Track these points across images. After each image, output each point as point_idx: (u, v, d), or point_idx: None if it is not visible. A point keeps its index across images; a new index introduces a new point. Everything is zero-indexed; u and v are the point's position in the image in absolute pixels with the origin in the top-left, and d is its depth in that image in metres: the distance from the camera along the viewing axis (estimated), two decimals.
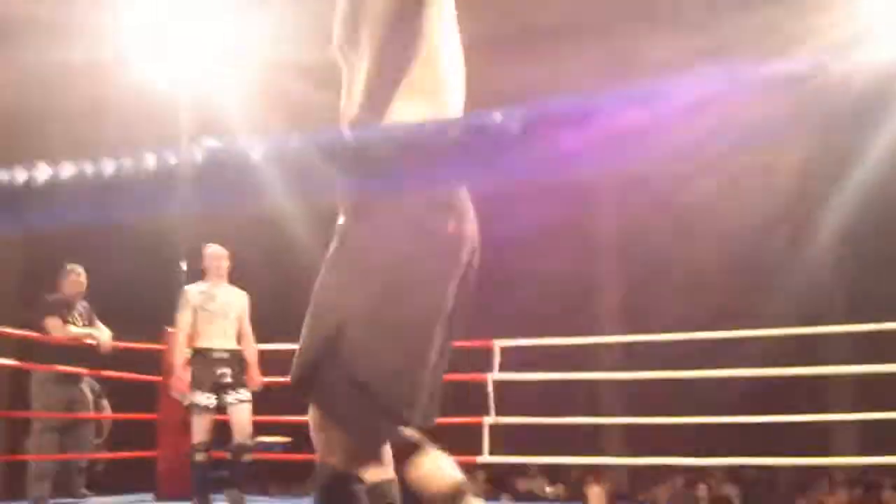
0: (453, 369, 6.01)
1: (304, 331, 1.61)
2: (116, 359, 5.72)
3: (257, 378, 5.20)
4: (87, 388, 5.62)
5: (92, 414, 5.71)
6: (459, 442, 5.83)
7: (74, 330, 5.47)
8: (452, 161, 0.67)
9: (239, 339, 5.19)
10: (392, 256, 1.56)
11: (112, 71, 7.46)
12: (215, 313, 5.11)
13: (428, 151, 0.72)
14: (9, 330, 5.60)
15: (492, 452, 5.59)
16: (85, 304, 5.66)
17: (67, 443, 5.45)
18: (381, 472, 1.59)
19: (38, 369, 5.48)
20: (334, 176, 0.90)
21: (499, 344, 5.83)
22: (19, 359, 5.95)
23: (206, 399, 4.97)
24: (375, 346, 1.54)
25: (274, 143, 0.73)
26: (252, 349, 5.28)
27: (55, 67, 7.42)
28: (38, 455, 5.37)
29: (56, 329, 5.42)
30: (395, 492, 1.61)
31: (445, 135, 0.68)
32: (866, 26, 5.85)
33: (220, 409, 5.06)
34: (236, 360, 5.14)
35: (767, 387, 6.62)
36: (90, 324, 5.62)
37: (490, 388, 5.70)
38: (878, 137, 6.59)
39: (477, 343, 5.94)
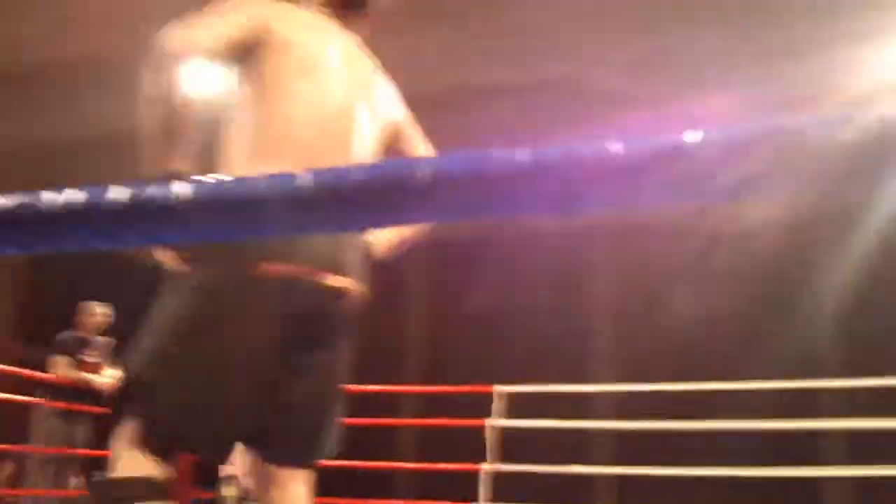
0: (451, 414, 6.02)
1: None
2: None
3: None
4: (89, 426, 5.67)
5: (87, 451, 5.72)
6: (454, 489, 5.87)
7: (73, 373, 5.55)
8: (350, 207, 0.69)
9: None
10: (182, 303, 1.66)
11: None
12: None
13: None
14: (9, 368, 5.65)
15: (489, 499, 5.55)
16: (104, 340, 5.74)
17: (60, 479, 5.46)
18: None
19: (41, 404, 5.55)
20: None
21: (498, 390, 5.82)
22: (20, 393, 5.96)
23: None
24: (161, 385, 1.65)
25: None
26: None
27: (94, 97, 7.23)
28: (34, 490, 5.37)
29: (59, 368, 5.53)
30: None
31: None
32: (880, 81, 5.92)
33: None
34: None
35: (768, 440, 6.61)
36: (104, 360, 5.71)
37: (488, 434, 5.70)
38: (880, 191, 6.65)
39: (476, 388, 5.97)
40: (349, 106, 1.85)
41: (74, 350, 5.69)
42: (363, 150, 1.86)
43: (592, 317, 10.04)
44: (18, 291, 10.45)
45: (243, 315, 1.66)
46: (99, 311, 5.82)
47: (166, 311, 1.68)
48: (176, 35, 1.65)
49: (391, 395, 7.47)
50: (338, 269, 1.73)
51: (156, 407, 1.64)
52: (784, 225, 7.66)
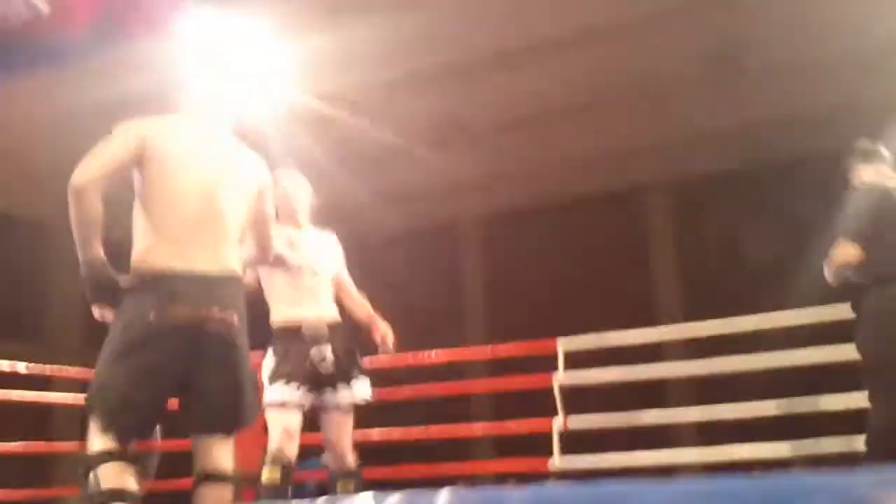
0: (518, 371, 5.97)
1: None
2: None
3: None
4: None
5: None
6: (528, 447, 5.83)
7: None
8: None
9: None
10: (115, 328, 2.60)
11: (149, 101, 7.56)
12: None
13: None
14: (73, 370, 5.95)
15: (562, 454, 5.51)
16: None
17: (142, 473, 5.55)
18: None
19: None
20: None
21: (563, 343, 5.74)
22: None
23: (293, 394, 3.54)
24: (94, 380, 2.59)
25: None
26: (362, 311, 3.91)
27: (90, 101, 7.54)
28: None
29: None
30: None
31: None
32: None
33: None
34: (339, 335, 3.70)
35: None
36: None
37: (556, 390, 5.63)
38: None
39: (539, 345, 5.89)
40: (215, 184, 2.64)
41: None
42: (231, 217, 2.67)
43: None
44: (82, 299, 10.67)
45: (147, 345, 2.52)
46: None
47: (107, 343, 2.59)
48: (79, 170, 2.52)
49: (461, 362, 7.44)
50: (215, 305, 2.55)
51: (103, 405, 2.53)
52: None
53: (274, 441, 3.52)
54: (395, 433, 5.97)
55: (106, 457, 2.46)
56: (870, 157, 4.07)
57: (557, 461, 5.46)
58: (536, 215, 10.06)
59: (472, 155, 9.08)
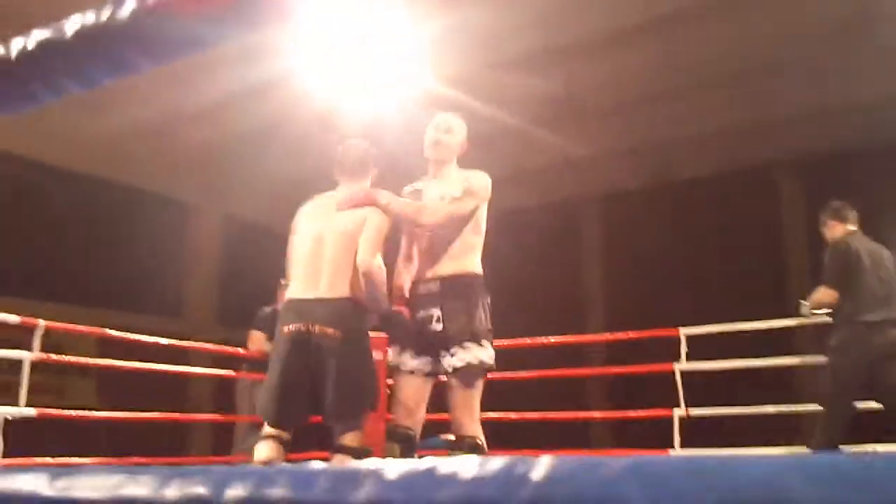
0: (636, 361, 5.88)
1: None
2: None
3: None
4: None
5: None
6: (650, 435, 5.77)
7: (269, 346, 5.88)
8: None
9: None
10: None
11: (283, 90, 7.86)
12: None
13: None
14: (207, 346, 6.26)
15: (682, 445, 5.43)
16: None
17: None
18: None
19: (245, 377, 5.97)
20: None
21: (685, 332, 5.65)
22: (225, 367, 6.38)
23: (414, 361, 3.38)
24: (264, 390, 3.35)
25: None
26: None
27: (230, 90, 7.91)
28: (243, 454, 5.76)
29: (254, 342, 5.88)
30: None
31: None
32: None
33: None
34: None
35: None
36: None
37: (678, 379, 5.55)
38: None
39: (663, 332, 5.81)
40: (317, 235, 3.33)
41: (272, 324, 5.99)
42: (335, 262, 3.26)
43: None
44: (216, 277, 11.18)
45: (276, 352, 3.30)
46: None
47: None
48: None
49: (580, 345, 7.42)
50: (315, 321, 3.18)
51: (261, 401, 3.29)
52: None
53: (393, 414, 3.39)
54: (512, 416, 6.02)
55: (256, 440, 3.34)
56: (840, 214, 4.80)
57: (678, 451, 5.39)
58: (658, 194, 9.88)
59: (587, 133, 8.99)
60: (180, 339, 5.87)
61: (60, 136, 8.63)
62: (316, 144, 8.83)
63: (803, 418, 6.80)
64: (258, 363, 5.93)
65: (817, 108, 8.43)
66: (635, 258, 9.98)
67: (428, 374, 3.34)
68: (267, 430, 3.22)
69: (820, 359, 4.88)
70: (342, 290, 3.19)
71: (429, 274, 3.37)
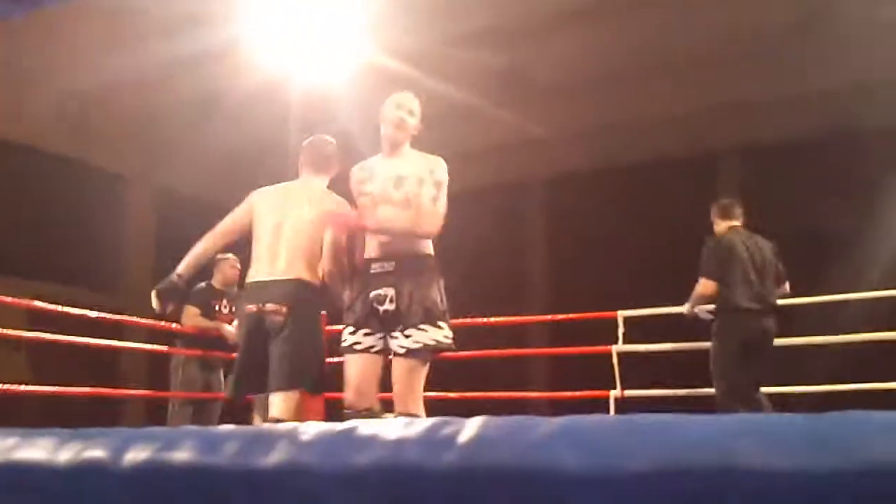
0: (578, 342, 5.93)
1: None
2: None
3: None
4: (221, 373, 5.90)
5: (220, 394, 5.96)
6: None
7: (203, 322, 5.75)
8: None
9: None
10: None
11: (225, 60, 7.69)
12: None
13: None
14: (141, 320, 6.08)
15: None
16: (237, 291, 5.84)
17: (199, 420, 5.70)
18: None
19: (179, 353, 5.82)
20: None
21: (623, 315, 5.71)
22: (160, 342, 6.24)
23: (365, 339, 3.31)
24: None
25: None
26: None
27: (169, 58, 7.71)
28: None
29: (189, 318, 5.75)
30: None
31: None
32: None
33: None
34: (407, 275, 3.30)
35: None
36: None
37: (615, 361, 5.60)
38: None
39: (601, 315, 5.86)
40: (276, 224, 3.55)
41: (207, 301, 5.88)
42: (293, 248, 3.50)
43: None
44: (152, 250, 10.96)
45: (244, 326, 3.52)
46: (234, 264, 5.94)
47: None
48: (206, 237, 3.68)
49: (519, 326, 7.44)
50: (267, 301, 3.43)
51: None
52: None
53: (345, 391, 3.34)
54: (451, 395, 6.00)
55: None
56: (726, 211, 5.18)
57: None
58: (604, 177, 9.93)
59: (535, 114, 8.99)
60: (115, 314, 5.72)
61: None
62: (256, 117, 8.67)
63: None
64: (192, 339, 5.82)
65: (763, 96, 8.54)
66: (579, 240, 10.04)
67: (378, 353, 3.31)
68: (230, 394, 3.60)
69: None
70: (297, 272, 3.41)
71: (382, 253, 3.32)
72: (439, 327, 3.23)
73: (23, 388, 5.44)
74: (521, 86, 8.53)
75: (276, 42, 7.42)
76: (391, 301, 3.23)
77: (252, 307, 3.41)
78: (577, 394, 5.89)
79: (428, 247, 3.38)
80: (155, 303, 3.59)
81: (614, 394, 5.54)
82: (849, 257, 7.39)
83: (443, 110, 9.21)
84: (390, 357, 3.31)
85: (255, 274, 3.49)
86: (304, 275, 3.42)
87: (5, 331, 5.56)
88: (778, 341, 5.09)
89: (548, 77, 8.52)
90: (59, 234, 9.68)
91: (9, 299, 5.02)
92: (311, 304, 3.46)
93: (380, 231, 3.35)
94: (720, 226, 5.20)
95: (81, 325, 5.37)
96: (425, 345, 3.19)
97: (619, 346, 5.64)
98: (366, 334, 3.29)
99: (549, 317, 6.64)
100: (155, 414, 7.01)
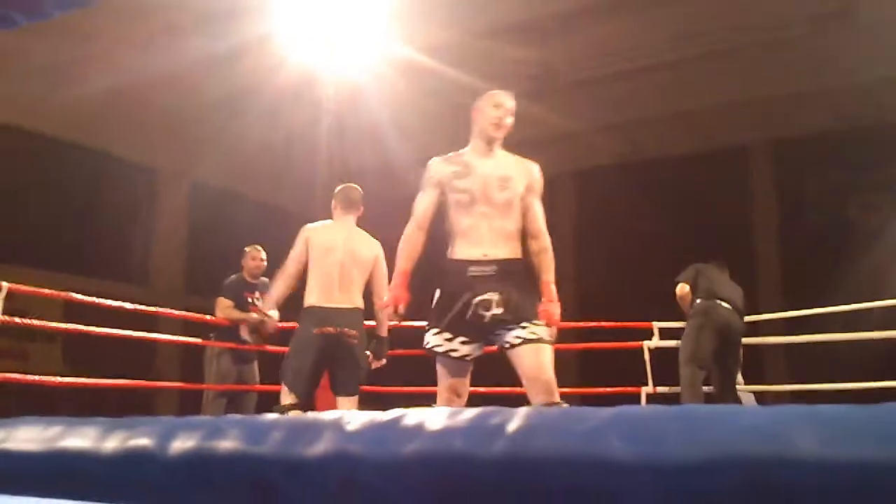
0: (610, 340, 5.91)
1: None
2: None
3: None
4: (255, 364, 5.94)
5: (257, 386, 5.99)
6: None
7: (236, 314, 5.79)
8: None
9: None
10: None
11: (256, 56, 7.74)
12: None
13: None
14: (174, 311, 6.17)
15: None
16: (266, 282, 5.83)
17: (232, 412, 5.74)
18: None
19: (213, 346, 5.87)
20: None
21: (658, 326, 5.75)
22: (192, 335, 6.30)
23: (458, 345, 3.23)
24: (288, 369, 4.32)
25: None
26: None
27: (202, 55, 7.77)
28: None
29: (222, 310, 5.79)
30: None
31: None
32: None
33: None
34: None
35: None
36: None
37: (647, 357, 5.57)
38: None
39: (635, 324, 5.87)
40: (341, 261, 4.37)
41: (240, 293, 5.93)
42: (354, 282, 4.38)
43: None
44: (185, 244, 11.05)
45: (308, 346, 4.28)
46: (260, 255, 5.99)
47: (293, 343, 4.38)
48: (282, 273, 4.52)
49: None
50: (343, 326, 4.28)
51: (288, 376, 4.28)
52: None
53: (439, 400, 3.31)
54: (480, 390, 5.99)
55: (291, 407, 4.19)
56: None
57: None
58: (632, 170, 9.86)
59: (563, 107, 8.94)
60: (148, 307, 5.78)
61: (30, 100, 8.43)
62: (286, 112, 8.71)
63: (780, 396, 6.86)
64: (225, 331, 5.85)
65: (793, 90, 8.44)
66: (606, 233, 9.98)
67: (472, 360, 3.26)
68: (294, 401, 4.20)
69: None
70: (359, 302, 4.39)
71: (480, 256, 3.22)
72: (541, 325, 3.17)
73: (58, 379, 5.52)
74: (547, 80, 8.49)
75: (306, 37, 7.45)
76: (498, 305, 3.12)
77: (330, 329, 4.24)
78: (609, 389, 5.86)
79: (521, 250, 3.34)
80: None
81: (646, 390, 5.50)
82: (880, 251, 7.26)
83: (470, 105, 9.22)
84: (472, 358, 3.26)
85: (327, 300, 4.30)
86: (361, 304, 4.41)
87: (41, 322, 5.65)
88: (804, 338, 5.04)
89: (575, 71, 8.47)
90: (94, 228, 9.80)
91: (46, 291, 5.08)
92: (363, 327, 4.41)
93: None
94: None
95: (116, 318, 5.43)
96: (541, 337, 3.13)
97: (652, 342, 5.60)
98: (463, 342, 3.19)
99: (581, 323, 6.51)
100: (188, 406, 7.08)
